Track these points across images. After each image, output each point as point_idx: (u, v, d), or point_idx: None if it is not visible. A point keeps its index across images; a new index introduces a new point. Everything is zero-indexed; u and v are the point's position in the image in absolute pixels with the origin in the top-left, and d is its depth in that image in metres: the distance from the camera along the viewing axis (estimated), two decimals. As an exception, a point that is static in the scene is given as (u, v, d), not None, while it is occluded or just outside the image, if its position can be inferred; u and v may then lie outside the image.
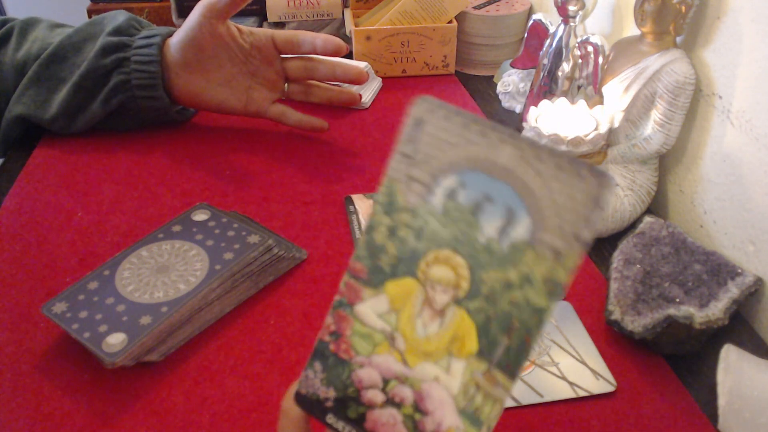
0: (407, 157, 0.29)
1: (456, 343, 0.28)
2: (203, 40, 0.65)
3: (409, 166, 0.29)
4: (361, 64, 0.82)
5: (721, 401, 0.41)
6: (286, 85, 0.72)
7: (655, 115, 0.57)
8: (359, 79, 0.70)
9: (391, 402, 0.29)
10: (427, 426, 0.29)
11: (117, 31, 0.67)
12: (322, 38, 0.67)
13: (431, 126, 0.28)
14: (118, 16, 0.69)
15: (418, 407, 0.29)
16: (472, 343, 0.28)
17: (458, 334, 0.28)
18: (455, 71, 0.91)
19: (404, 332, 0.29)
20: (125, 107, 0.69)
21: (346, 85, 0.75)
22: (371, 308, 0.30)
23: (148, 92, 0.67)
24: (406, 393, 0.29)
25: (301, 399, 0.31)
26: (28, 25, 0.72)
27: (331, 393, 0.30)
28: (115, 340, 0.43)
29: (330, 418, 0.31)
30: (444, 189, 0.28)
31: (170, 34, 0.68)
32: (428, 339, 0.29)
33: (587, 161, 0.27)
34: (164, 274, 0.48)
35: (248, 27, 0.70)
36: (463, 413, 0.28)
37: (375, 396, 0.30)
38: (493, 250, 0.27)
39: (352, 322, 0.30)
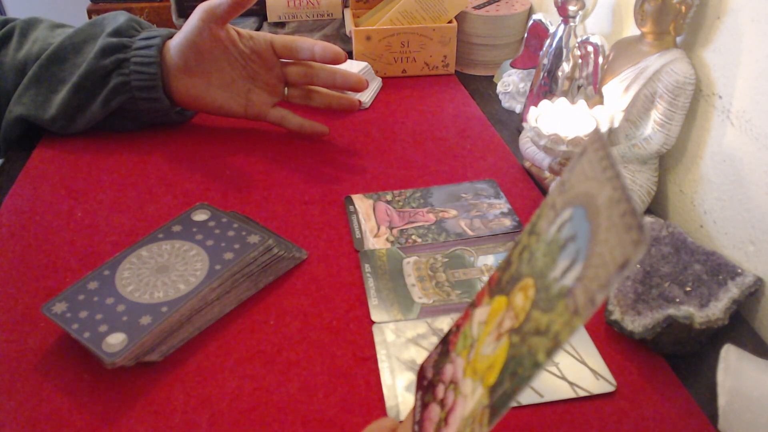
0: (562, 185, 0.28)
1: (489, 370, 0.26)
2: (202, 44, 0.65)
3: (560, 193, 0.27)
4: (361, 64, 0.82)
5: (721, 401, 0.41)
6: (285, 89, 0.72)
7: (655, 115, 0.57)
8: (359, 87, 0.70)
9: (441, 402, 0.30)
10: None
11: (117, 32, 0.67)
12: (321, 45, 0.67)
13: (587, 157, 0.26)
14: (118, 17, 0.69)
15: (446, 417, 0.29)
16: (494, 376, 0.26)
17: (494, 363, 0.26)
18: (455, 71, 0.91)
19: (479, 345, 0.28)
20: (125, 108, 0.69)
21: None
22: (479, 314, 0.30)
23: (148, 93, 0.67)
24: (450, 400, 0.29)
25: (420, 369, 0.36)
26: (29, 25, 0.72)
27: (430, 374, 0.33)
28: (115, 340, 0.43)
29: (417, 395, 0.34)
30: (560, 220, 0.26)
31: (170, 36, 0.68)
32: (484, 358, 0.27)
33: (643, 216, 0.26)
34: (164, 274, 0.48)
35: (248, 31, 0.70)
36: None
37: (440, 391, 0.31)
38: (550, 290, 0.24)
39: (467, 322, 0.31)
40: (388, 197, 0.63)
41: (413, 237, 0.58)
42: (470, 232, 0.59)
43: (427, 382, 0.34)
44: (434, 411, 0.30)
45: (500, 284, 0.29)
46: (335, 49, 0.67)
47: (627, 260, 0.21)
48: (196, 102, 0.70)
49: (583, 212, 0.24)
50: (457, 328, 0.32)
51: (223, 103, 0.70)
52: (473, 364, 0.28)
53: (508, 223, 0.60)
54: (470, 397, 0.27)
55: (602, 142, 0.26)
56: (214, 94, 0.69)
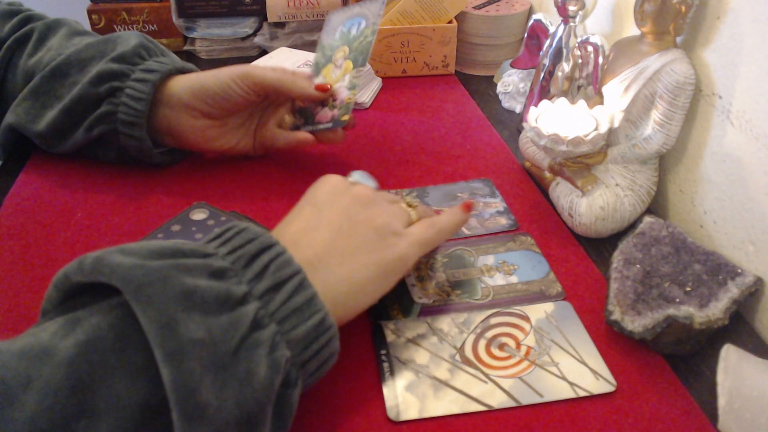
0: (326, 31, 0.70)
1: (345, 70, 0.65)
2: (225, 97, 0.63)
3: (327, 32, 0.70)
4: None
5: (721, 401, 0.41)
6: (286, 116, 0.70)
7: (655, 115, 0.57)
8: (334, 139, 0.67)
9: (322, 104, 0.66)
10: (336, 105, 0.65)
11: (120, 58, 0.63)
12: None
13: (334, 16, 0.70)
14: (130, 40, 0.65)
15: (334, 99, 0.65)
16: (350, 67, 0.65)
17: (346, 67, 0.65)
18: (455, 71, 0.91)
19: (328, 80, 0.66)
20: (107, 138, 0.64)
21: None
22: (316, 79, 0.68)
23: (130, 130, 0.62)
24: (334, 95, 0.66)
25: (298, 109, 0.69)
26: (49, 29, 0.69)
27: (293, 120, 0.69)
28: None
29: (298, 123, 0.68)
30: (338, 31, 0.68)
31: (178, 71, 0.65)
32: (336, 76, 0.66)
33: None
34: (164, 274, 0.48)
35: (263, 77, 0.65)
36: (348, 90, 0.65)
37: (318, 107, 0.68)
38: (356, 35, 0.66)
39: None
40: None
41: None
42: (466, 231, 0.59)
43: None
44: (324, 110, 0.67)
45: (317, 69, 0.68)
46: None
47: (381, 6, 0.65)
48: (207, 144, 0.66)
49: (355, 18, 0.67)
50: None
51: (235, 145, 0.67)
52: (331, 81, 0.66)
53: (504, 221, 0.61)
54: (343, 83, 0.65)
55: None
56: (228, 137, 0.67)
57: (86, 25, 0.94)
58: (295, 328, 0.37)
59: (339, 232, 0.44)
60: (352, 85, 0.63)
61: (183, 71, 0.65)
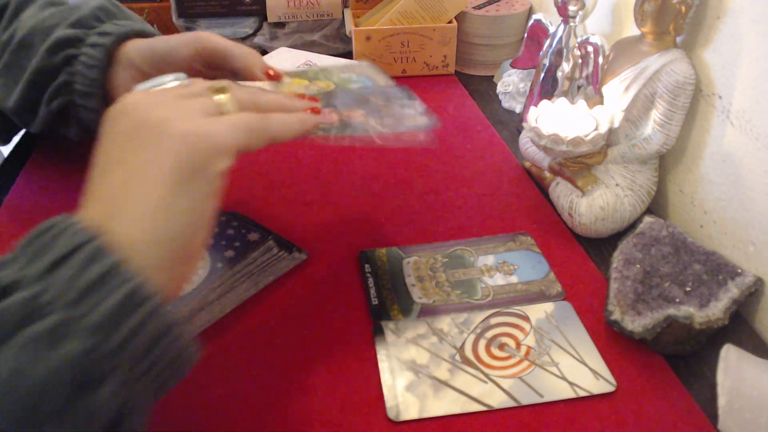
0: (346, 70, 0.58)
1: (315, 84, 0.53)
2: (174, 61, 0.55)
3: (347, 71, 0.57)
4: (363, 64, 0.82)
5: (721, 401, 0.41)
6: None
7: (655, 115, 0.57)
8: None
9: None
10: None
11: (77, 23, 0.57)
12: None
13: (368, 70, 0.59)
14: (92, 2, 0.59)
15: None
16: (326, 84, 0.54)
17: (319, 85, 0.54)
18: (455, 71, 0.91)
19: (293, 84, 0.53)
20: (66, 113, 0.59)
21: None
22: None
23: (86, 101, 0.57)
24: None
25: None
26: (26, 1, 0.63)
27: None
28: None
29: None
30: (349, 77, 0.56)
31: (136, 34, 0.58)
32: (306, 86, 0.53)
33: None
34: (164, 274, 0.48)
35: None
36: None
37: None
38: (344, 81, 0.56)
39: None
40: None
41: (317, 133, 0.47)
42: (381, 129, 0.48)
43: None
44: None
45: (293, 75, 0.54)
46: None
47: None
48: None
49: (368, 80, 0.55)
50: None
51: None
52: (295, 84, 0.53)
53: (422, 120, 0.50)
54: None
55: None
56: None
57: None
58: (93, 311, 0.29)
59: (123, 164, 0.35)
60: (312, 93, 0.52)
61: (142, 34, 0.59)
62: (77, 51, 0.56)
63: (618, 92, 0.59)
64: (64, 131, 0.61)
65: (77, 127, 0.60)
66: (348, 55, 0.88)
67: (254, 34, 0.97)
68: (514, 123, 0.80)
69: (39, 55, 0.57)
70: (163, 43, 0.56)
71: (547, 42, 0.70)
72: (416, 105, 0.51)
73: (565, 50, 0.69)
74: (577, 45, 0.67)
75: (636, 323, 0.47)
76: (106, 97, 0.58)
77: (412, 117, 0.49)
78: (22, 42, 0.59)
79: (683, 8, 0.54)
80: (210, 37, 0.55)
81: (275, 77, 0.52)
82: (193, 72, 0.54)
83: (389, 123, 0.48)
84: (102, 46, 0.55)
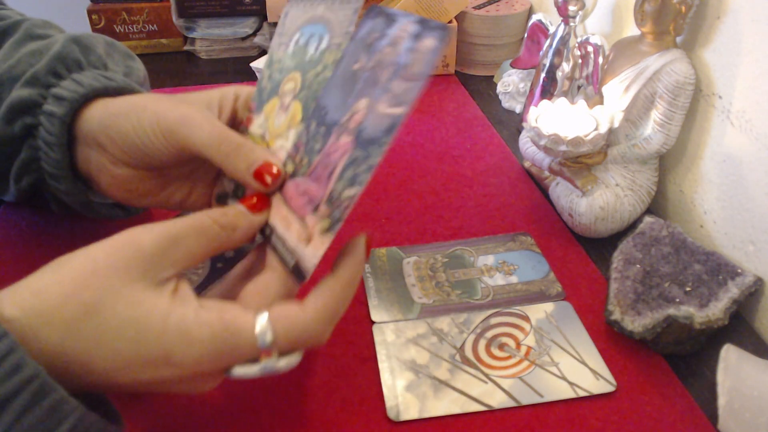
0: (279, 34, 0.44)
1: (292, 120, 0.40)
2: (145, 153, 0.43)
3: (279, 37, 0.44)
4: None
5: (721, 401, 0.41)
6: None
7: (655, 115, 0.57)
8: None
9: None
10: None
11: (33, 79, 0.46)
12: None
13: (293, 10, 0.44)
14: (51, 47, 0.48)
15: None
16: (299, 114, 0.40)
17: (293, 114, 0.40)
18: (455, 71, 0.91)
19: (269, 128, 0.42)
20: (41, 191, 0.50)
21: None
22: (256, 125, 0.43)
23: (56, 182, 0.47)
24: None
25: (218, 197, 0.46)
26: (5, 34, 0.52)
27: (231, 186, 0.45)
28: (115, 340, 0.43)
29: (231, 201, 0.44)
30: (293, 41, 0.43)
31: (97, 92, 0.45)
32: (280, 125, 0.41)
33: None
34: (164, 274, 0.48)
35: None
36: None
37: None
38: (312, 59, 0.41)
39: (248, 138, 0.42)
40: (289, 167, 0.39)
41: (346, 193, 0.34)
42: (392, 107, 0.33)
43: (232, 191, 0.45)
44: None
45: (261, 101, 0.44)
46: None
47: (357, 7, 0.39)
48: (143, 200, 0.47)
49: (312, 26, 0.42)
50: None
51: (185, 200, 0.48)
52: (272, 136, 0.42)
53: (430, 44, 0.33)
54: (287, 141, 0.40)
55: None
56: (173, 190, 0.47)
57: (86, 26, 0.94)
58: None
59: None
60: (302, 156, 0.38)
61: (107, 92, 0.46)
62: (34, 120, 0.46)
63: (618, 92, 0.59)
64: (43, 205, 0.53)
65: (56, 204, 0.52)
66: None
67: (254, 34, 0.97)
68: (514, 123, 0.80)
69: None
70: (130, 126, 0.42)
71: (547, 42, 0.70)
72: (404, 25, 0.35)
73: (565, 50, 0.69)
74: (577, 45, 0.67)
75: (636, 323, 0.47)
76: (79, 177, 0.48)
77: (413, 50, 0.33)
78: None
79: (683, 8, 0.54)
80: (185, 131, 0.41)
81: (271, 178, 0.39)
82: (177, 162, 0.44)
83: (397, 86, 0.33)
84: (57, 117, 0.44)
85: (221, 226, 0.37)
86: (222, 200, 0.46)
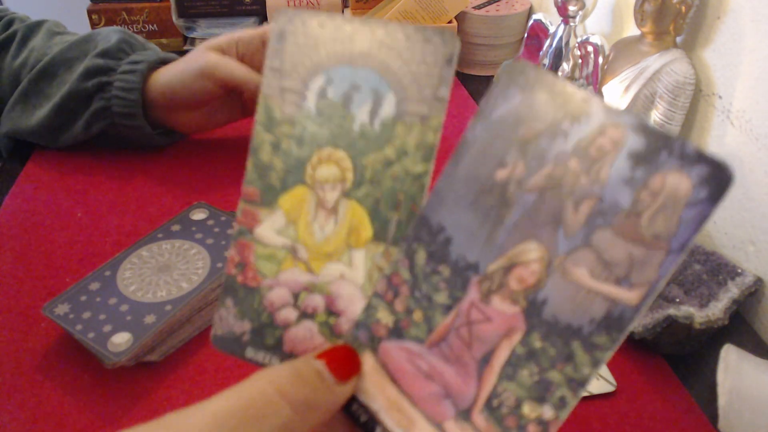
0: (276, 71, 0.29)
1: (353, 234, 0.28)
2: (193, 97, 0.63)
3: (280, 78, 0.29)
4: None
5: (721, 401, 0.41)
6: None
7: (655, 115, 0.57)
8: None
9: (304, 315, 0.29)
10: (342, 326, 0.28)
11: (105, 53, 0.64)
12: None
13: (292, 35, 0.29)
14: (111, 36, 0.66)
15: (331, 311, 0.28)
16: (367, 230, 0.28)
17: (353, 225, 0.28)
18: (455, 71, 0.91)
19: (304, 241, 0.29)
20: (107, 133, 0.67)
21: None
22: (269, 228, 0.30)
23: (129, 120, 0.64)
24: (316, 301, 0.29)
25: (218, 341, 0.30)
26: (31, 30, 0.70)
27: (247, 325, 0.30)
28: (121, 339, 0.43)
29: (249, 352, 0.30)
30: (314, 91, 0.28)
31: (160, 61, 0.66)
32: (327, 240, 0.28)
33: (431, 27, 0.27)
34: (166, 273, 0.48)
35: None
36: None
37: (288, 314, 0.29)
38: (368, 134, 0.27)
39: (254, 248, 0.30)
40: (381, 314, 0.27)
41: (527, 410, 0.23)
42: (624, 294, 0.22)
43: (248, 336, 0.29)
44: (302, 329, 0.28)
45: (273, 188, 0.30)
46: None
47: (451, 53, 0.26)
48: (187, 127, 0.69)
49: (346, 68, 0.28)
50: (243, 264, 0.30)
51: (203, 125, 0.69)
52: (315, 255, 0.29)
53: (686, 186, 0.22)
54: (350, 268, 0.28)
55: (298, 12, 0.28)
56: (194, 122, 0.68)
57: (86, 25, 0.94)
58: None
59: None
60: (408, 304, 0.26)
61: (165, 62, 0.66)
62: (109, 79, 0.63)
63: (618, 92, 0.59)
64: (104, 145, 0.68)
65: (117, 142, 0.68)
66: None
67: (254, 34, 0.97)
68: (514, 123, 0.80)
69: (70, 82, 0.64)
70: (178, 80, 0.63)
71: (547, 42, 0.70)
72: (606, 126, 0.22)
73: (565, 50, 0.69)
74: (577, 45, 0.67)
75: (636, 323, 0.47)
76: (147, 112, 0.65)
77: (641, 184, 0.21)
78: (44, 72, 0.66)
79: (683, 8, 0.54)
80: (220, 66, 0.61)
81: None
82: (216, 97, 0.64)
83: (611, 244, 0.21)
84: (138, 71, 0.63)
85: (293, 405, 0.25)
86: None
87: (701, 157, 0.20)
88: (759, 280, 0.49)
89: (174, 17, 0.95)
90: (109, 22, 0.95)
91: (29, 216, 0.61)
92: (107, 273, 0.49)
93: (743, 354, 0.43)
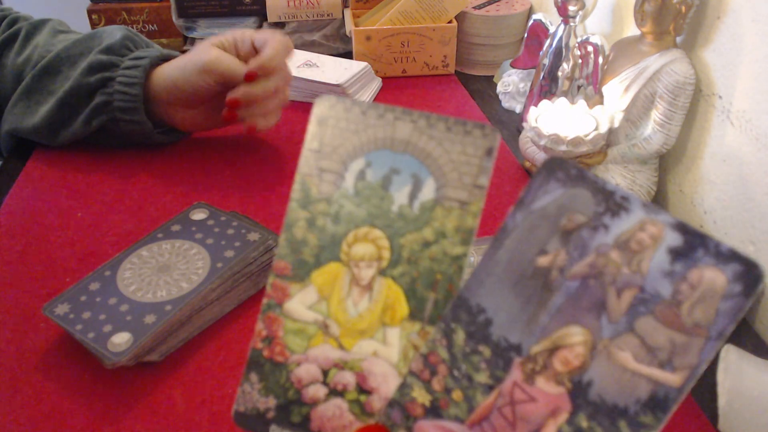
0: (315, 152, 0.30)
1: (388, 312, 0.28)
2: (194, 92, 0.63)
3: (318, 159, 0.30)
4: (361, 65, 0.82)
5: (721, 401, 0.41)
6: None
7: (655, 115, 0.57)
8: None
9: (334, 392, 0.28)
10: (374, 404, 0.28)
11: (108, 50, 0.65)
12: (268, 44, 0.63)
13: (333, 120, 0.30)
14: (115, 33, 0.67)
15: (362, 388, 0.28)
16: (403, 308, 0.28)
17: (388, 303, 0.28)
18: (455, 71, 0.91)
19: (336, 317, 0.29)
20: (107, 128, 0.66)
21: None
22: (300, 302, 0.30)
23: (129, 115, 0.64)
24: (347, 378, 0.29)
25: (240, 418, 0.30)
26: (35, 28, 0.71)
27: (272, 402, 0.29)
28: (121, 339, 0.43)
29: (274, 430, 0.29)
30: (353, 172, 0.29)
31: (163, 58, 0.66)
32: (361, 317, 0.29)
33: (471, 121, 0.29)
34: (166, 273, 0.48)
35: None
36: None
37: (317, 391, 0.29)
38: (406, 215, 0.28)
39: (283, 322, 0.30)
40: (417, 393, 0.27)
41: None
42: (669, 377, 0.26)
43: (273, 413, 0.29)
44: (331, 406, 0.28)
45: (305, 264, 0.29)
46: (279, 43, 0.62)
47: (491, 146, 0.28)
48: (186, 124, 0.68)
49: (386, 152, 0.29)
50: (271, 339, 0.30)
51: (198, 124, 0.69)
52: (348, 331, 0.28)
53: (721, 282, 0.24)
54: (384, 346, 0.28)
55: (340, 99, 0.30)
56: (191, 120, 0.68)
57: (86, 25, 0.94)
58: None
59: None
60: (447, 384, 0.26)
61: (168, 58, 0.67)
62: (112, 74, 0.64)
63: (618, 92, 0.59)
64: (103, 143, 0.69)
65: (118, 139, 0.68)
66: (348, 55, 0.88)
67: (254, 34, 0.97)
68: (514, 123, 0.80)
69: (73, 78, 0.64)
70: (180, 74, 0.63)
71: (547, 42, 0.70)
72: (646, 223, 0.24)
73: (565, 50, 0.69)
74: (577, 45, 0.67)
75: (636, 323, 0.47)
76: (148, 108, 0.65)
77: (680, 277, 0.23)
78: (47, 68, 0.66)
79: (683, 8, 0.54)
80: (222, 61, 0.61)
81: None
82: (214, 92, 0.63)
83: (652, 330, 0.23)
84: (141, 66, 0.63)
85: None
86: None
87: (735, 256, 0.22)
88: (759, 280, 0.49)
89: (174, 17, 0.95)
90: (109, 22, 0.95)
91: (29, 216, 0.61)
92: (107, 273, 0.49)
93: (743, 354, 0.43)
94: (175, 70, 0.63)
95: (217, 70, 0.61)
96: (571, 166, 0.25)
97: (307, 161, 0.30)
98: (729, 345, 0.43)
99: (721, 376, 0.42)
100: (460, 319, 0.26)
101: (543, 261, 0.24)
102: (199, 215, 0.54)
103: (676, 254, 0.22)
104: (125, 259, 0.50)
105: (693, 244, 0.22)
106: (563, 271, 0.23)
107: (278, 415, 0.29)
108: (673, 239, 0.22)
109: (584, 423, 0.22)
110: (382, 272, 0.28)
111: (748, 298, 0.22)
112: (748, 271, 0.22)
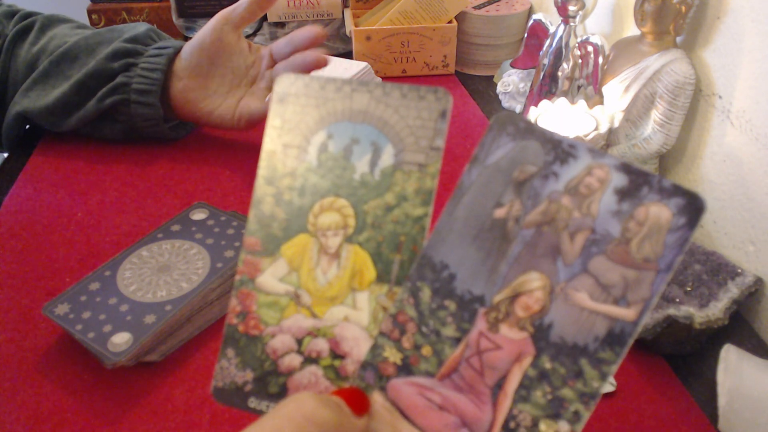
0: (278, 129, 0.31)
1: (356, 277, 0.29)
2: (212, 46, 0.65)
3: (281, 135, 0.31)
4: (361, 65, 0.82)
5: (721, 401, 0.41)
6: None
7: (655, 115, 0.57)
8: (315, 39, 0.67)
9: (309, 360, 0.29)
10: (348, 368, 0.29)
11: (133, 39, 0.67)
12: (299, 33, 0.66)
13: (293, 96, 0.31)
14: (139, 27, 0.69)
15: (336, 353, 0.29)
16: (370, 272, 0.29)
17: (356, 269, 0.29)
18: (455, 71, 0.91)
19: (307, 286, 0.30)
20: (117, 110, 0.67)
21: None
22: (271, 275, 0.30)
23: (144, 97, 0.66)
24: (321, 345, 0.29)
25: (219, 393, 0.30)
26: (51, 21, 0.72)
27: (249, 375, 0.30)
28: (120, 339, 0.43)
29: (252, 402, 0.30)
30: (316, 145, 0.31)
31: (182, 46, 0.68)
32: (330, 284, 0.29)
33: (424, 86, 0.29)
34: (166, 273, 0.48)
35: (257, 45, 0.69)
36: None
37: (292, 360, 0.30)
38: (368, 182, 0.29)
39: (256, 296, 0.30)
40: (389, 353, 0.28)
41: (545, 427, 0.25)
42: (621, 312, 0.26)
43: (251, 386, 0.29)
44: (307, 374, 0.29)
45: (275, 238, 0.30)
46: (311, 30, 0.66)
47: (444, 108, 0.29)
48: (191, 107, 0.67)
49: (345, 124, 0.30)
50: (245, 314, 0.30)
51: (214, 110, 0.67)
52: (319, 299, 0.29)
53: (666, 216, 0.26)
54: (354, 310, 0.29)
55: (299, 76, 0.31)
56: (209, 101, 0.67)
57: (86, 25, 0.94)
58: None
59: None
60: (416, 341, 0.28)
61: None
62: (136, 60, 0.66)
63: (618, 92, 0.59)
64: (107, 131, 0.69)
65: (123, 125, 0.69)
66: (348, 55, 0.88)
67: (254, 34, 0.97)
68: (514, 123, 0.80)
69: (96, 61, 0.65)
70: (198, 42, 0.65)
71: (547, 42, 0.70)
72: (594, 167, 0.25)
73: (565, 50, 0.69)
74: (577, 45, 0.67)
75: (636, 323, 0.47)
76: (162, 99, 0.67)
77: (628, 215, 0.24)
78: (66, 55, 0.67)
79: (683, 8, 0.54)
80: (236, 7, 0.64)
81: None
82: (225, 44, 0.66)
83: (605, 269, 0.24)
84: (164, 55, 0.66)
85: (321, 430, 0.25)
86: None
87: (677, 190, 0.23)
88: (759, 280, 0.49)
89: (174, 17, 0.95)
90: (109, 22, 0.95)
91: (29, 216, 0.61)
92: (107, 273, 0.49)
93: (743, 354, 0.43)
94: (193, 41, 0.66)
95: (231, 15, 0.64)
96: (519, 119, 0.26)
97: (271, 138, 0.31)
98: (729, 345, 0.43)
99: (721, 376, 0.42)
100: (425, 277, 0.27)
101: (499, 213, 0.25)
102: (199, 215, 0.54)
103: (623, 194, 0.24)
104: (125, 259, 0.50)
105: (637, 182, 0.24)
106: (519, 221, 0.25)
107: (256, 387, 0.30)
108: (619, 180, 0.24)
109: (548, 365, 0.23)
110: (348, 239, 0.29)
111: (693, 229, 0.23)
112: (691, 203, 0.23)
